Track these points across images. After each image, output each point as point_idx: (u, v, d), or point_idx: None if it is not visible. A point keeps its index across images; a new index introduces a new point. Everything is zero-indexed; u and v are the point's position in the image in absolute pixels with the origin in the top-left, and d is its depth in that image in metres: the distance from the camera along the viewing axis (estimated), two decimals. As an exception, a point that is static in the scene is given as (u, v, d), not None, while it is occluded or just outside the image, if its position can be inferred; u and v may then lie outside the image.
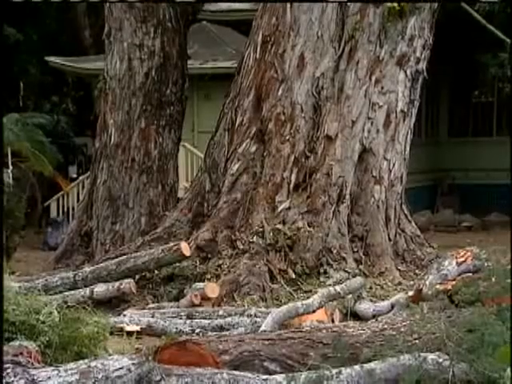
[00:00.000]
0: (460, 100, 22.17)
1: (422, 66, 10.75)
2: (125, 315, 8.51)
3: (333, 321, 8.09)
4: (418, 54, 10.64)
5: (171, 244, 9.64)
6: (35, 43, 22.45)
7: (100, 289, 9.18)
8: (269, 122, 10.30)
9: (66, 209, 18.91)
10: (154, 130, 13.13)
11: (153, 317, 8.43)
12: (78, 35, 23.76)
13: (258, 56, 10.49)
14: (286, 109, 10.22)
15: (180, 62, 13.40)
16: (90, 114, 20.64)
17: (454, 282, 7.81)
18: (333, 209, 10.07)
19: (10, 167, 15.96)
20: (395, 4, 10.21)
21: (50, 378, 4.51)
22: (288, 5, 10.32)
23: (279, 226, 9.82)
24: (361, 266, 9.95)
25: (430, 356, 4.99)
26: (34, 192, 18.30)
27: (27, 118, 17.72)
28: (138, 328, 7.98)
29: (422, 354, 5.00)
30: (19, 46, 21.67)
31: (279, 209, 10.02)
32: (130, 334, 7.74)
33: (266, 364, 5.15)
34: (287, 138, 10.19)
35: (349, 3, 10.29)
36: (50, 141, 17.46)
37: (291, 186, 10.13)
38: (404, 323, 5.59)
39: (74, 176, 20.17)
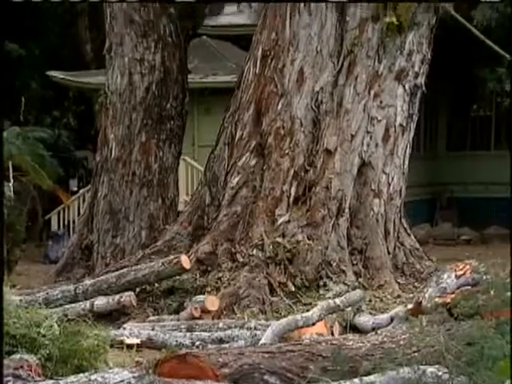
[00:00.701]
0: (458, 114, 22.20)
1: (421, 80, 10.77)
2: (125, 328, 8.49)
3: (332, 334, 8.08)
4: (416, 69, 10.66)
5: (171, 257, 9.63)
6: (37, 58, 22.52)
7: (100, 302, 9.17)
8: (268, 136, 10.31)
9: (66, 222, 18.90)
10: (154, 144, 13.15)
11: (153, 330, 8.41)
12: (80, 50, 23.83)
13: (257, 71, 10.52)
14: (285, 123, 10.24)
15: (180, 77, 13.43)
16: (90, 128, 20.65)
17: (453, 296, 7.79)
18: (332, 222, 10.07)
19: (11, 181, 15.96)
20: (394, 19, 10.25)
21: (50, 391, 4.50)
22: (287, 20, 10.36)
23: (279, 239, 9.82)
24: (360, 279, 9.94)
25: (430, 369, 4.98)
26: (34, 205, 18.30)
27: (28, 132, 17.75)
28: (138, 341, 7.96)
29: (421, 367, 4.99)
30: (21, 61, 21.73)
31: (279, 222, 10.02)
32: (130, 346, 7.72)
33: (265, 377, 5.14)
34: (287, 151, 10.20)
35: (347, 19, 10.32)
36: (50, 155, 17.48)
37: (291, 199, 10.13)
38: (403, 336, 5.59)
39: (75, 189, 20.18)
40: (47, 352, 5.83)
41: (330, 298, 9.00)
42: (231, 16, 19.19)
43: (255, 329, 7.99)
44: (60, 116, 24.00)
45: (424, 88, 10.86)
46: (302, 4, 10.33)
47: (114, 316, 9.21)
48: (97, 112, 18.36)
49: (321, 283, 9.71)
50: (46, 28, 22.99)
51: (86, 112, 22.79)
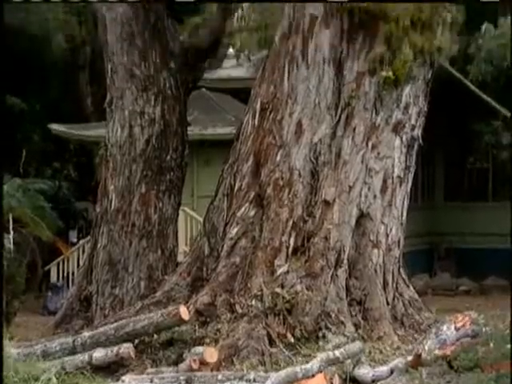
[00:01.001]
0: (455, 166, 22.30)
1: (418, 132, 10.82)
2: (123, 380, 8.38)
3: (332, 386, 7.97)
4: (413, 122, 10.72)
5: (170, 308, 9.55)
6: (38, 112, 22.70)
7: (99, 354, 9.06)
8: (267, 187, 10.31)
9: (66, 273, 18.84)
10: (154, 195, 13.16)
11: (152, 382, 8.30)
12: (80, 104, 24.03)
13: (256, 123, 10.56)
14: (284, 174, 10.24)
15: (180, 129, 13.51)
16: (91, 180, 20.72)
17: (452, 348, 7.72)
18: (331, 273, 10.02)
19: (11, 232, 15.95)
20: (390, 73, 10.32)
21: None
22: (286, 74, 10.45)
23: (278, 290, 9.75)
24: (359, 331, 9.84)
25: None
26: (34, 257, 18.26)
27: (29, 184, 17.80)
28: (136, 393, 7.84)
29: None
30: (23, 115, 21.90)
31: (278, 272, 9.96)
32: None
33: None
34: (285, 202, 10.19)
35: (345, 73, 10.39)
36: (51, 206, 17.50)
37: (290, 249, 10.09)
38: (404, 388, 5.50)
39: (75, 240, 20.15)
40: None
41: (329, 349, 8.91)
42: (230, 69, 19.38)
43: (254, 381, 7.89)
44: (60, 168, 24.11)
45: (421, 140, 10.90)
46: (300, 58, 10.42)
47: (113, 368, 9.09)
48: (97, 164, 18.43)
49: (320, 334, 9.61)
50: (48, 83, 23.22)
51: (86, 164, 22.90)
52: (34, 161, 23.90)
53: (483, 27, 23.60)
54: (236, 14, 14.90)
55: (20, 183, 17.01)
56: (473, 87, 20.33)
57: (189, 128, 13.99)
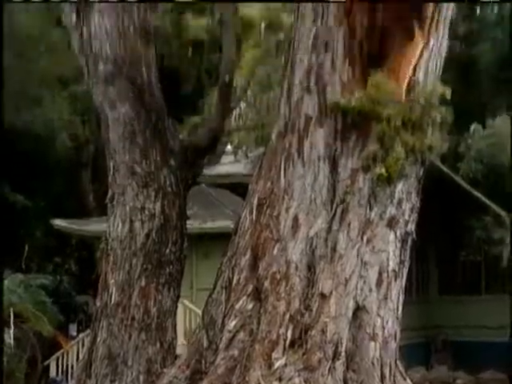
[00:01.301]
0: (448, 260, 22.34)
1: (411, 227, 10.87)
2: None
3: None
4: (406, 217, 10.78)
5: (169, 402, 9.39)
6: (42, 209, 22.85)
7: None
8: (265, 280, 10.29)
9: (65, 367, 18.57)
10: (153, 288, 13.12)
11: None
12: (83, 200, 24.21)
13: (254, 218, 10.64)
14: (281, 267, 10.25)
15: (179, 223, 13.58)
16: (91, 274, 20.68)
17: None
18: (328, 365, 9.90)
19: (12, 327, 15.81)
20: (383, 170, 10.46)
21: None
22: (282, 171, 10.58)
23: (276, 383, 9.62)
24: (357, 424, 9.67)
25: None
26: (34, 352, 18.05)
27: (31, 280, 17.76)
28: None
29: None
30: (26, 211, 22.03)
31: (275, 366, 9.84)
32: None
33: None
34: (283, 295, 10.16)
35: (339, 170, 10.52)
36: (52, 300, 17.42)
37: (287, 342, 9.99)
38: None
39: (74, 334, 19.98)
40: None
41: None
42: (228, 165, 19.61)
43: None
44: (62, 262, 24.08)
45: (414, 235, 10.96)
46: (296, 156, 10.57)
47: None
48: (98, 258, 18.43)
49: (318, 427, 9.44)
50: (52, 180, 23.46)
51: (87, 258, 22.89)
52: (36, 256, 23.89)
53: (472, 127, 24.06)
54: (234, 113, 15.21)
55: (22, 279, 16.97)
56: (463, 184, 20.57)
57: (188, 222, 14.07)
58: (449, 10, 10.26)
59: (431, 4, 9.94)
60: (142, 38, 13.43)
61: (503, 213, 20.51)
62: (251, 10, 16.47)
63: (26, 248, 22.70)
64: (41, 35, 24.56)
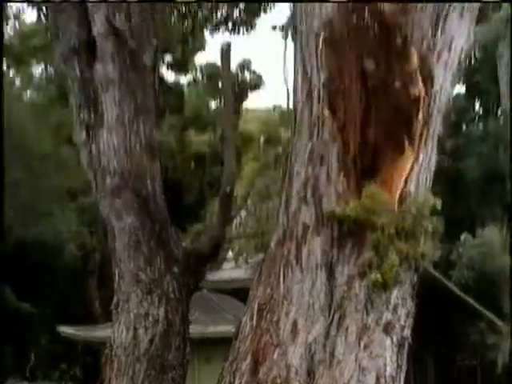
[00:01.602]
0: (444, 364, 22.03)
1: (407, 332, 10.80)
2: None
3: None
4: (402, 322, 10.72)
5: None
6: (48, 316, 22.68)
7: None
8: (265, 385, 10.17)
9: None
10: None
11: None
12: (89, 306, 24.07)
13: (254, 323, 10.59)
14: (281, 371, 10.14)
15: (182, 328, 13.50)
16: (96, 380, 20.32)
17: None
18: None
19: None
20: (379, 277, 10.48)
21: None
22: (281, 277, 10.60)
23: None
24: None
25: None
26: None
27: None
28: None
29: None
30: (32, 318, 21.86)
31: None
32: None
33: None
34: (283, 400, 10.01)
35: (336, 276, 10.54)
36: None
37: None
38: None
39: None
40: None
41: None
42: (230, 271, 19.63)
43: None
44: (67, 368, 23.68)
45: (410, 340, 10.87)
46: (294, 263, 10.62)
47: None
48: (102, 364, 18.19)
49: None
50: (59, 287, 23.40)
51: (92, 363, 22.54)
52: (41, 364, 23.55)
53: (462, 237, 24.22)
54: (235, 221, 15.35)
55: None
56: (457, 290, 20.52)
57: (190, 326, 13.98)
58: (436, 129, 10.50)
59: (420, 121, 10.21)
60: (148, 154, 13.70)
61: (500, 323, 20.38)
62: (251, 126, 16.90)
63: (33, 357, 22.38)
64: (52, 152, 25.03)
